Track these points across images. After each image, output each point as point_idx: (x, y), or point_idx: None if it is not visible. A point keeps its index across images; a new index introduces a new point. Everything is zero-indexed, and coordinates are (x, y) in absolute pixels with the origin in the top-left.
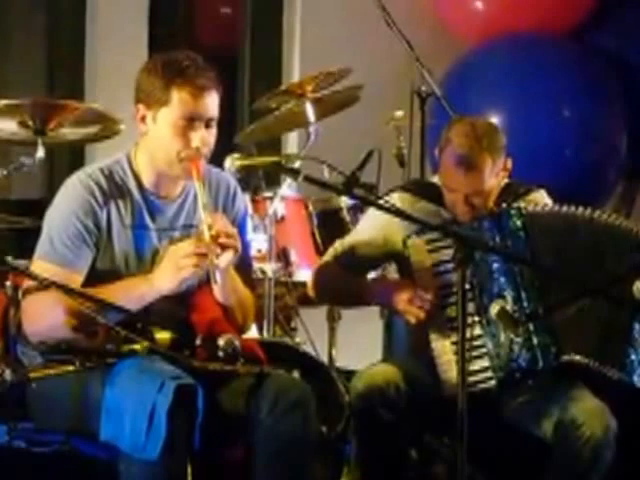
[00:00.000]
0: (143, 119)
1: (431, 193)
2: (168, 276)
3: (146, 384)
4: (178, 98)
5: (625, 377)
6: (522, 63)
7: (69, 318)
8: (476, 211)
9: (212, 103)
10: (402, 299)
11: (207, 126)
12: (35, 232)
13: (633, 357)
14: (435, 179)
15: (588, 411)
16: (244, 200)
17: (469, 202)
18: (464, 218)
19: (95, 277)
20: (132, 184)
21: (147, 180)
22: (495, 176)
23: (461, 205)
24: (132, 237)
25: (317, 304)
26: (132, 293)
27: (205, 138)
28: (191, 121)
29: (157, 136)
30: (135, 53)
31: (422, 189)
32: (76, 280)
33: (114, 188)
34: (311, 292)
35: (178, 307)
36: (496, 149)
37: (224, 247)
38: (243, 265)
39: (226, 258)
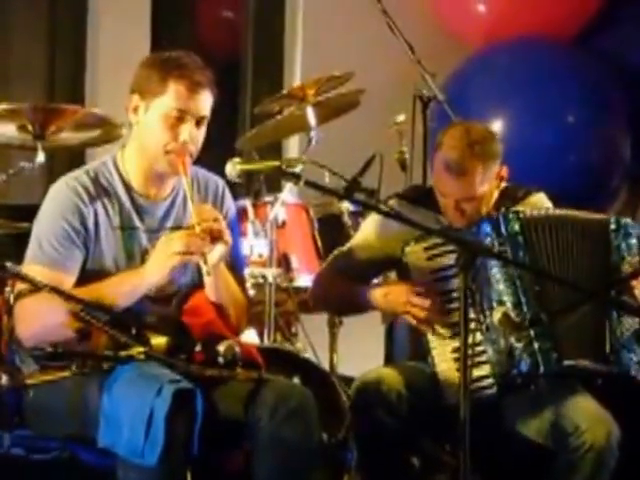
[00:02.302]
0: (135, 110)
1: (428, 200)
2: (158, 265)
3: (144, 389)
4: (174, 90)
5: (625, 372)
6: (525, 67)
7: (70, 320)
8: (467, 217)
9: (205, 101)
10: (401, 302)
11: (197, 125)
12: None
13: (635, 358)
14: None
15: (590, 417)
16: (233, 201)
17: (459, 208)
18: (457, 224)
19: (85, 279)
20: (119, 185)
21: (135, 180)
22: (488, 183)
23: (451, 210)
24: (121, 238)
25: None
26: (124, 287)
27: (194, 135)
28: (182, 114)
29: (147, 126)
30: (137, 57)
31: (419, 196)
32: (67, 281)
33: (100, 190)
34: (311, 302)
35: (172, 310)
36: (489, 156)
37: (214, 236)
38: (235, 265)
39: (218, 250)
